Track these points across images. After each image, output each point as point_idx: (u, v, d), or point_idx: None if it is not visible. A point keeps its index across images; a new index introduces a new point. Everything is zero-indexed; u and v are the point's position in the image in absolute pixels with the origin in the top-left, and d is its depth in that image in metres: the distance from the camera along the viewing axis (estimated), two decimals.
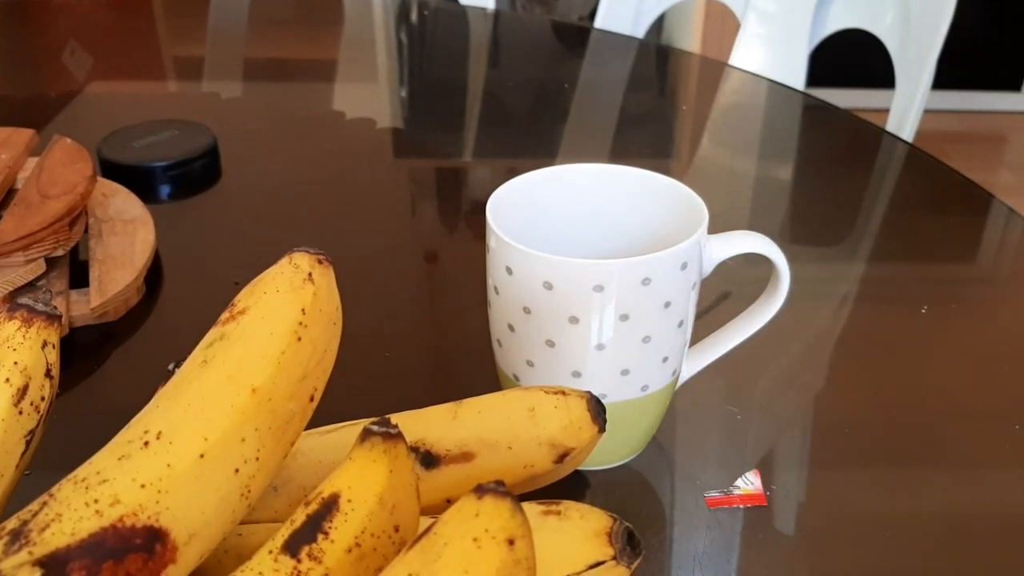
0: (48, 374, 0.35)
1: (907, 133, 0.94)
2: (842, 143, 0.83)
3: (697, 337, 0.47)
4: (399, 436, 0.31)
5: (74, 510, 0.28)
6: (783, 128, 0.89)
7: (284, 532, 0.29)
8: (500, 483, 0.27)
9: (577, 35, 1.16)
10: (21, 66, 1.02)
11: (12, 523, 0.28)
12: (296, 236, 0.64)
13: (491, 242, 0.43)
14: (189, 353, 0.33)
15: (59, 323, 0.36)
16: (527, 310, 0.42)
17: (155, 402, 0.32)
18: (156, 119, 0.78)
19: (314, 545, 0.29)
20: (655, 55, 1.13)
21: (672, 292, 0.41)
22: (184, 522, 0.29)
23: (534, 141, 0.83)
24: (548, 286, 0.41)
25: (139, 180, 0.69)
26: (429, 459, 0.37)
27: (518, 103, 0.93)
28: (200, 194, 0.74)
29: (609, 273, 0.40)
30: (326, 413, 0.36)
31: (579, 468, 0.41)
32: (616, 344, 0.42)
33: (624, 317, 0.41)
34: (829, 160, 0.81)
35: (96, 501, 0.28)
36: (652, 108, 0.94)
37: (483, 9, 1.14)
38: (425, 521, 0.30)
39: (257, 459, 0.31)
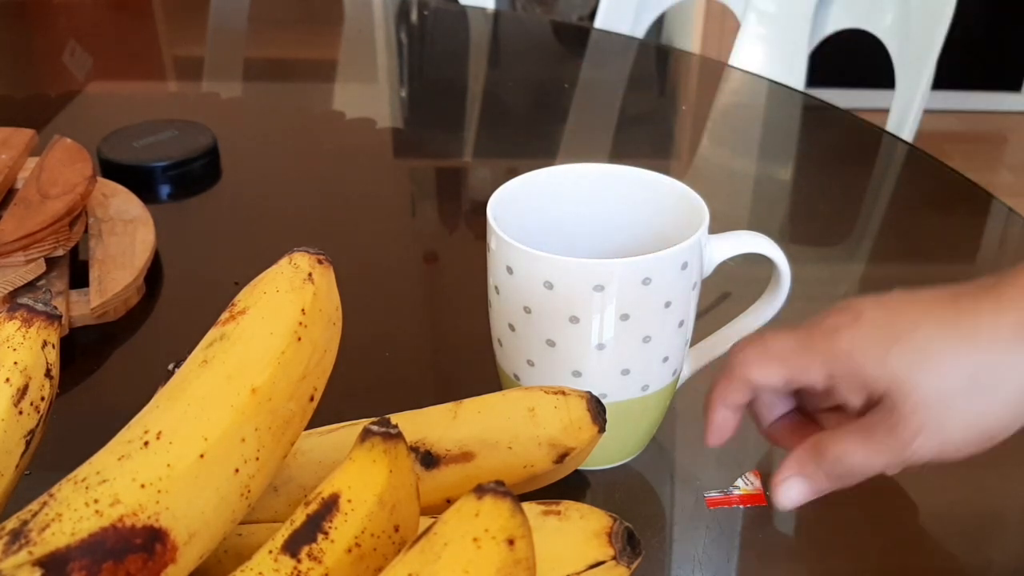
0: (48, 374, 0.35)
1: (907, 133, 0.94)
2: (842, 143, 0.83)
3: (697, 337, 0.47)
4: (399, 436, 0.31)
5: (74, 510, 0.28)
6: (783, 128, 0.89)
7: (284, 532, 0.29)
8: (500, 483, 0.27)
9: (577, 35, 1.16)
10: (21, 66, 1.02)
11: (12, 523, 0.28)
12: (296, 236, 0.64)
13: (492, 242, 0.43)
14: (189, 353, 0.33)
15: (59, 323, 0.35)
16: (528, 310, 0.42)
17: (155, 402, 0.32)
18: (156, 119, 0.78)
19: (314, 545, 0.29)
20: (655, 55, 1.13)
21: (672, 292, 0.41)
22: (184, 522, 0.29)
23: (534, 141, 0.83)
24: (549, 286, 0.41)
25: (139, 180, 0.69)
26: (429, 459, 0.37)
27: (518, 103, 0.93)
28: (200, 194, 0.74)
29: (610, 273, 0.40)
30: (326, 413, 0.36)
31: (579, 468, 0.41)
32: (616, 344, 0.42)
33: (625, 317, 0.41)
34: (829, 160, 0.81)
35: (96, 501, 0.28)
36: (652, 108, 0.94)
37: (483, 9, 1.14)
38: (425, 521, 0.30)
39: (257, 459, 0.31)
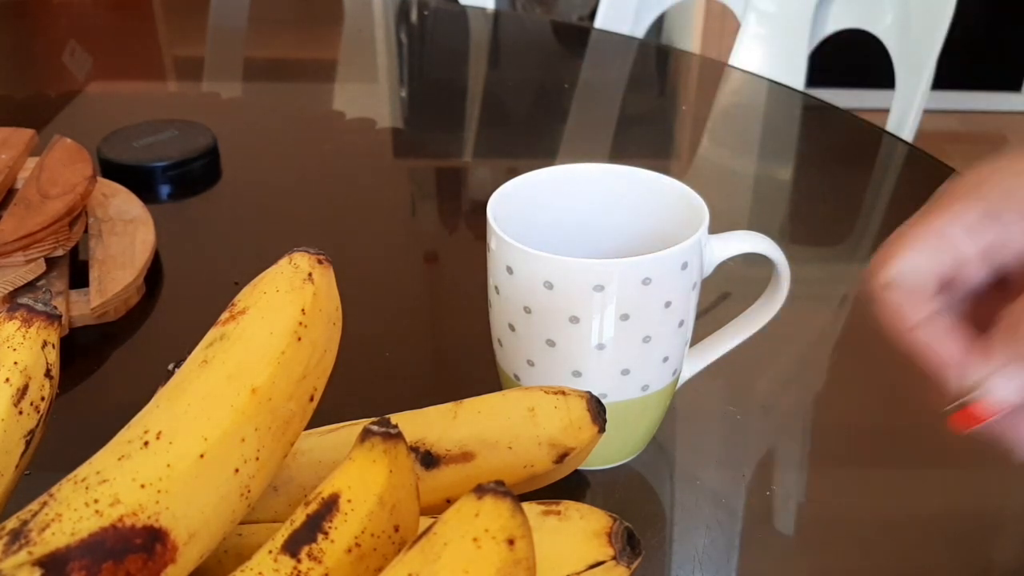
0: (48, 374, 0.35)
1: (907, 133, 0.94)
2: (842, 143, 0.83)
3: (697, 337, 0.47)
4: (399, 436, 0.31)
5: (74, 510, 0.28)
6: (783, 128, 0.89)
7: (284, 532, 0.29)
8: (500, 483, 0.27)
9: (577, 35, 1.16)
10: (21, 66, 1.02)
11: (12, 523, 0.28)
12: (296, 236, 0.64)
13: (492, 242, 0.43)
14: (189, 353, 0.33)
15: (59, 323, 0.36)
16: (528, 310, 0.42)
17: (155, 402, 0.32)
18: (156, 119, 0.78)
19: (314, 545, 0.29)
20: (655, 55, 1.13)
21: (672, 292, 0.41)
22: (184, 522, 0.29)
23: (534, 141, 0.83)
24: (549, 286, 0.41)
25: (139, 180, 0.69)
26: (429, 459, 0.37)
27: (518, 103, 0.93)
28: (200, 194, 0.74)
29: (610, 273, 0.40)
30: (326, 413, 0.36)
31: (579, 468, 0.41)
32: (616, 344, 0.42)
33: (625, 317, 0.41)
34: (829, 160, 0.81)
35: (96, 501, 0.28)
36: (652, 108, 0.94)
37: (483, 9, 1.14)
38: (425, 521, 0.30)
39: (257, 459, 0.31)
